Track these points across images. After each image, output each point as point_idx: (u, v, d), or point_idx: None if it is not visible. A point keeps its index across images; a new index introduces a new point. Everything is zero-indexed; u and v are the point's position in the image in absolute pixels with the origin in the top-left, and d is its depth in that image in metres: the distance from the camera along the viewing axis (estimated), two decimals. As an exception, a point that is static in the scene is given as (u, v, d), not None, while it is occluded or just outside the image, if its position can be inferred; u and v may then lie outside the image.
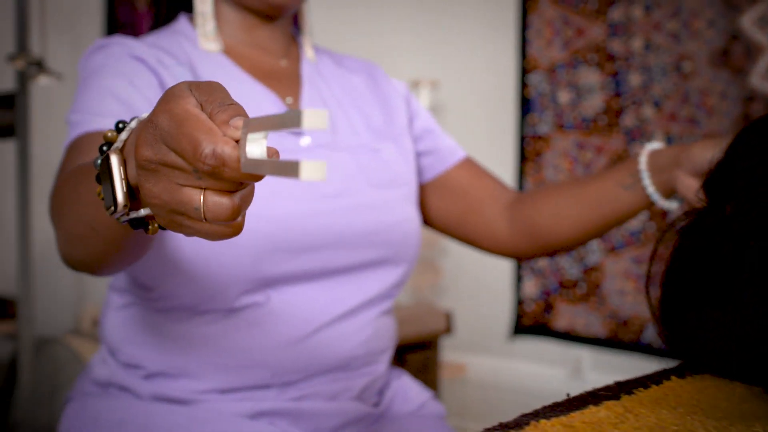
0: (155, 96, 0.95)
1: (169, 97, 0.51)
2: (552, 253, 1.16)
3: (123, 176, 0.58)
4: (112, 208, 0.58)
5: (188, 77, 1.00)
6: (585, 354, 2.62)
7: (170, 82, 0.98)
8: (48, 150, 2.02)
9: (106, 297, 1.08)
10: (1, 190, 2.16)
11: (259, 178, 0.49)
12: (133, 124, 0.61)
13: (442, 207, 1.19)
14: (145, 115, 0.58)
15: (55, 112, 2.15)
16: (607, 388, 0.61)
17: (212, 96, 0.52)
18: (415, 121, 1.18)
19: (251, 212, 0.93)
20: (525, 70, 2.72)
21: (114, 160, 0.58)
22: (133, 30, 2.38)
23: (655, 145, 1.03)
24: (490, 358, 2.76)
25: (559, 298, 2.67)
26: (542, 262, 2.68)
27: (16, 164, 1.77)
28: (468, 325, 2.67)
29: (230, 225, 0.53)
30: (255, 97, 1.04)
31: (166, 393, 0.99)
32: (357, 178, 1.05)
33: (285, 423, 0.99)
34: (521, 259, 1.20)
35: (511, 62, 2.75)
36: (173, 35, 1.07)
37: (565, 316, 2.66)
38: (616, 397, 0.60)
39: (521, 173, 2.73)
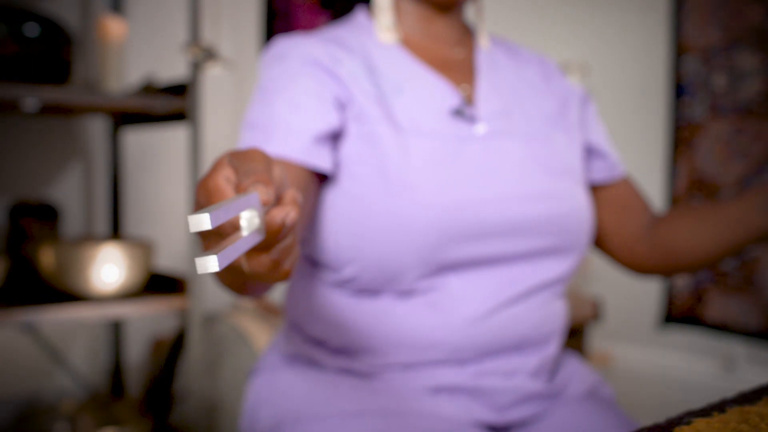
0: (328, 108, 1.00)
1: (210, 169, 0.55)
2: (682, 272, 1.19)
3: None
4: None
5: (362, 71, 1.04)
6: (737, 347, 2.54)
7: (347, 79, 1.02)
8: (216, 133, 2.12)
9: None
10: (173, 172, 2.28)
11: (275, 234, 0.54)
12: None
13: (595, 215, 1.20)
14: None
15: (223, 97, 2.26)
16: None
17: (243, 165, 0.57)
18: (589, 121, 1.20)
19: (428, 201, 0.97)
20: (678, 52, 2.65)
21: None
22: (288, 20, 2.45)
23: None
24: (638, 348, 2.72)
25: (712, 289, 2.59)
26: (694, 251, 2.61)
27: (187, 149, 1.87)
28: (616, 314, 2.63)
29: (277, 272, 0.58)
30: (430, 86, 1.06)
31: (350, 367, 1.04)
32: (531, 166, 1.06)
33: (463, 398, 1.02)
34: (650, 275, 1.22)
35: (664, 45, 2.69)
36: (351, 28, 1.11)
37: (717, 306, 2.58)
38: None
39: (673, 160, 2.67)
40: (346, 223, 1.00)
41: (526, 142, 1.08)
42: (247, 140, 1.00)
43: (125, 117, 2.11)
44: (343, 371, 1.05)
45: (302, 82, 1.01)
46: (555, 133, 1.12)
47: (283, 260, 0.58)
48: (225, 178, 0.54)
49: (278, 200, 0.57)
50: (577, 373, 1.15)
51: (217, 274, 0.82)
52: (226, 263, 0.45)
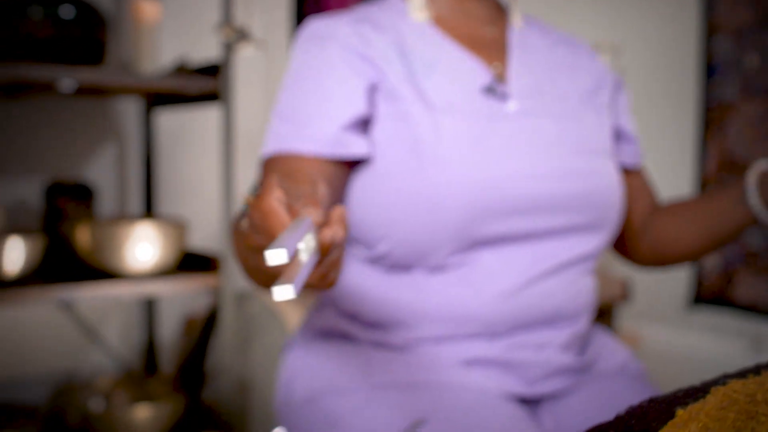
0: (359, 95, 1.02)
1: (262, 190, 0.61)
2: (671, 264, 1.23)
3: None
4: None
5: (393, 51, 1.05)
6: (767, 328, 2.53)
7: (378, 60, 1.04)
8: (248, 113, 2.14)
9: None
10: (205, 152, 2.31)
11: (326, 251, 0.59)
12: None
13: (626, 193, 1.21)
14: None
15: (255, 78, 2.28)
16: None
17: (292, 187, 0.63)
18: (621, 107, 1.21)
19: (460, 178, 0.98)
20: (709, 32, 2.63)
21: None
22: (318, 1, 2.46)
23: (766, 162, 1.07)
24: (667, 329, 2.71)
25: (741, 270, 2.58)
26: (724, 232, 2.59)
27: (219, 128, 1.89)
28: (645, 295, 2.63)
29: (324, 283, 0.63)
30: (461, 64, 1.08)
31: (384, 340, 1.06)
32: (563, 144, 1.07)
33: (495, 371, 1.04)
34: (641, 266, 1.25)
35: (695, 25, 2.67)
36: (384, 7, 1.13)
37: (746, 288, 2.57)
38: None
39: (703, 141, 2.65)
40: (379, 201, 1.01)
41: (558, 120, 1.09)
42: (276, 131, 1.03)
43: (158, 98, 2.14)
44: (376, 345, 1.07)
45: (333, 70, 1.03)
46: (587, 112, 1.12)
47: (330, 272, 0.63)
48: (277, 200, 0.59)
49: (326, 219, 0.61)
50: (607, 348, 1.16)
51: (251, 273, 0.86)
52: (299, 288, 0.51)
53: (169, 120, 2.28)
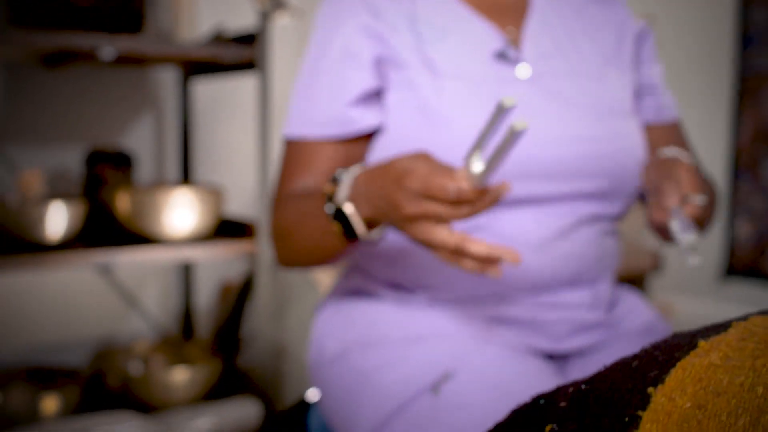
0: (369, 72, 1.06)
1: (407, 171, 0.83)
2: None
3: (360, 219, 0.89)
4: (352, 236, 0.91)
5: (403, 21, 1.07)
6: (800, 301, 2.52)
7: (387, 32, 1.06)
8: (283, 82, 2.16)
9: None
10: (241, 120, 2.34)
11: (482, 198, 0.81)
12: (348, 179, 0.88)
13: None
14: (353, 171, 0.90)
15: (290, 46, 2.30)
16: None
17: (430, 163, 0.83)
18: (644, 58, 1.19)
19: (465, 141, 0.99)
20: (746, 2, 2.61)
21: (350, 210, 0.89)
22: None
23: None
24: (699, 300, 2.71)
25: (775, 241, 2.57)
26: (758, 204, 2.58)
27: (255, 97, 1.92)
28: (678, 266, 2.63)
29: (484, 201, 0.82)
30: (473, 30, 1.08)
31: (409, 300, 1.08)
32: (580, 107, 1.07)
33: (521, 327, 1.05)
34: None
35: (731, -5, 2.65)
36: None
37: (780, 260, 2.56)
38: None
39: (738, 112, 2.63)
40: None
41: (578, 81, 1.08)
42: (293, 115, 1.09)
43: (195, 67, 2.17)
44: (404, 303, 1.09)
45: (341, 50, 1.06)
46: (609, 71, 1.12)
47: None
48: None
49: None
50: (635, 307, 1.17)
51: (307, 250, 1.02)
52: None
53: (206, 89, 2.31)
